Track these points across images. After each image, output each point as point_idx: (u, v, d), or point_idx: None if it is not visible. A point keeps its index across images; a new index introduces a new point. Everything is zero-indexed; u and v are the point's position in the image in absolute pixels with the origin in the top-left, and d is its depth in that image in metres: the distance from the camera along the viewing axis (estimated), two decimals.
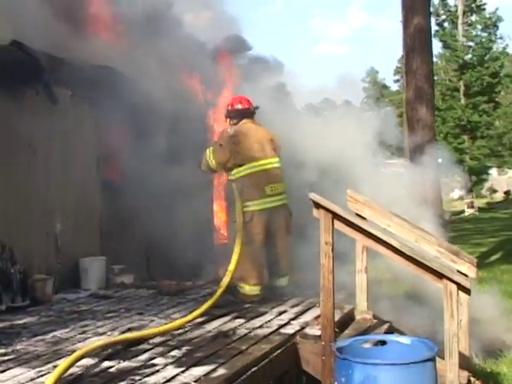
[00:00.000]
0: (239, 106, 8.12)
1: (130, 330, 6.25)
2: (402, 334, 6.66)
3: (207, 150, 8.08)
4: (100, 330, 6.27)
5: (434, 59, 44.75)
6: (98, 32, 9.65)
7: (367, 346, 5.05)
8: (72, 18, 9.11)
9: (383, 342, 5.00)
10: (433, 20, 42.00)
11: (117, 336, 5.87)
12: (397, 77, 54.55)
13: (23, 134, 8.04)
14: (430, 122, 12.32)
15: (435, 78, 44.52)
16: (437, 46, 44.95)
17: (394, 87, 55.69)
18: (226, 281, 7.38)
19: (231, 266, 7.50)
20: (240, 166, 7.81)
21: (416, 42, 12.48)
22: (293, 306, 7.36)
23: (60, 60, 8.41)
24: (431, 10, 39.20)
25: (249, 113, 8.12)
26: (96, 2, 9.87)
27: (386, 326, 6.62)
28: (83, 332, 6.21)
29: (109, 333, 6.14)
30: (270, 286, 8.03)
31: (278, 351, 5.53)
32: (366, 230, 5.68)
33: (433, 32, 41.37)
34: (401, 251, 5.46)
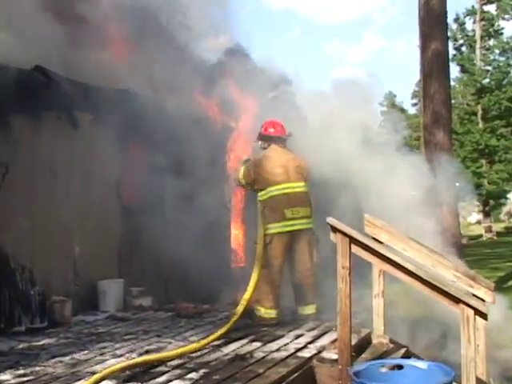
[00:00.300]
0: (271, 131, 8.25)
1: (147, 352, 6.29)
2: (419, 358, 6.65)
3: (242, 168, 8.23)
4: (118, 352, 6.32)
5: (452, 83, 44.75)
6: (113, 55, 9.77)
7: (384, 370, 5.07)
8: (88, 42, 9.26)
9: (400, 367, 5.02)
10: (450, 44, 42.07)
11: (136, 358, 5.91)
12: (414, 100, 54.44)
13: (45, 158, 8.16)
14: (448, 146, 12.34)
15: (453, 101, 44.46)
16: (454, 70, 44.98)
17: (412, 111, 55.61)
18: (240, 309, 7.41)
19: (247, 295, 7.55)
20: (263, 189, 7.92)
21: (433, 67, 12.53)
22: (309, 330, 7.37)
23: (81, 85, 8.54)
24: (449, 34, 39.31)
25: (280, 139, 8.22)
26: (111, 27, 9.98)
27: (402, 351, 6.61)
28: (101, 354, 6.26)
29: (127, 355, 6.18)
30: (295, 312, 8.06)
31: (295, 375, 5.56)
32: (382, 255, 5.70)
33: (450, 56, 41.50)
34: (417, 275, 5.47)
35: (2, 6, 7.94)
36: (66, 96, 8.19)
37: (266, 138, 8.28)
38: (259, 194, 7.97)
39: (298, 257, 7.89)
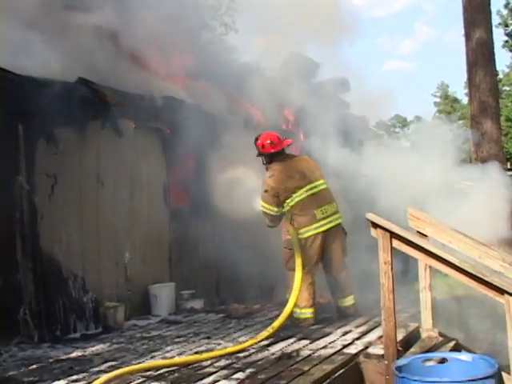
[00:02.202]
0: (269, 146, 8.03)
1: (197, 353, 6.39)
2: (468, 351, 6.58)
3: (262, 208, 8.00)
4: (168, 355, 6.43)
5: (506, 70, 44.07)
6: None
7: (431, 363, 5.06)
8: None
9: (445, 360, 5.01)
10: (502, 31, 41.35)
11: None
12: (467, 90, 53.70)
13: (91, 167, 8.33)
14: (496, 135, 12.13)
15: (507, 88, 43.80)
16: (507, 57, 44.24)
17: (466, 100, 54.88)
18: (263, 335, 6.92)
19: (287, 310, 7.30)
20: (287, 198, 7.84)
21: (478, 56, 12.35)
22: (358, 326, 7.39)
23: (124, 94, 8.67)
24: (500, 20, 38.45)
25: (281, 152, 8.10)
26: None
27: (451, 344, 6.55)
28: (152, 357, 6.38)
29: (176, 357, 6.28)
30: (336, 308, 8.07)
31: (341, 371, 5.59)
32: (424, 248, 5.67)
33: (502, 43, 40.79)
34: (461, 268, 5.42)
35: (42, 21, 8.14)
36: (109, 105, 8.33)
37: (266, 155, 8.13)
38: (286, 202, 7.85)
39: (332, 254, 7.89)
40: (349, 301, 7.98)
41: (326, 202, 7.92)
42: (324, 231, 7.79)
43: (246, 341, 6.73)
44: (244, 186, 8.93)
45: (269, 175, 7.97)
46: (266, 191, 7.90)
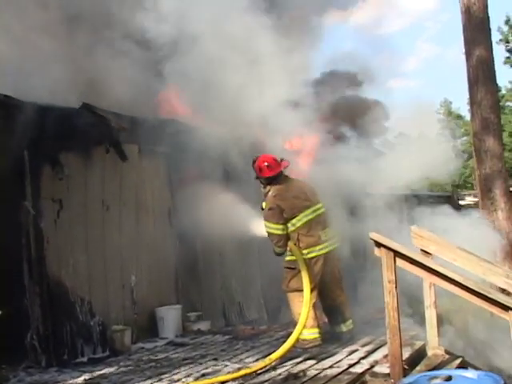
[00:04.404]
0: (269, 169, 7.82)
1: (203, 375, 6.41)
2: (475, 368, 6.58)
3: (267, 229, 7.76)
4: (175, 377, 6.45)
5: (509, 85, 44.09)
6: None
7: (437, 381, 5.07)
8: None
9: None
10: (503, 47, 41.41)
11: None
12: None
13: (96, 192, 8.40)
14: (499, 152, 12.11)
15: (510, 104, 43.82)
16: (509, 73, 44.35)
17: (469, 117, 54.63)
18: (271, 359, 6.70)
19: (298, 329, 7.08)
20: (294, 216, 7.68)
21: (479, 74, 12.36)
22: (364, 345, 7.38)
23: (128, 118, 8.74)
24: (500, 37, 38.50)
25: (281, 174, 7.91)
26: None
27: (458, 361, 6.54)
28: (159, 380, 6.42)
29: (183, 379, 6.32)
30: (333, 332, 7.94)
31: None
32: (428, 267, 5.69)
33: (503, 59, 40.85)
34: (465, 285, 5.44)
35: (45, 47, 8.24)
36: (113, 130, 8.40)
37: (265, 180, 7.92)
38: (292, 222, 7.67)
39: (330, 278, 7.81)
40: (348, 325, 7.90)
41: (327, 224, 7.90)
42: (325, 254, 7.73)
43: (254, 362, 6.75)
44: (247, 209, 8.88)
45: (273, 194, 7.76)
46: (270, 209, 7.69)
